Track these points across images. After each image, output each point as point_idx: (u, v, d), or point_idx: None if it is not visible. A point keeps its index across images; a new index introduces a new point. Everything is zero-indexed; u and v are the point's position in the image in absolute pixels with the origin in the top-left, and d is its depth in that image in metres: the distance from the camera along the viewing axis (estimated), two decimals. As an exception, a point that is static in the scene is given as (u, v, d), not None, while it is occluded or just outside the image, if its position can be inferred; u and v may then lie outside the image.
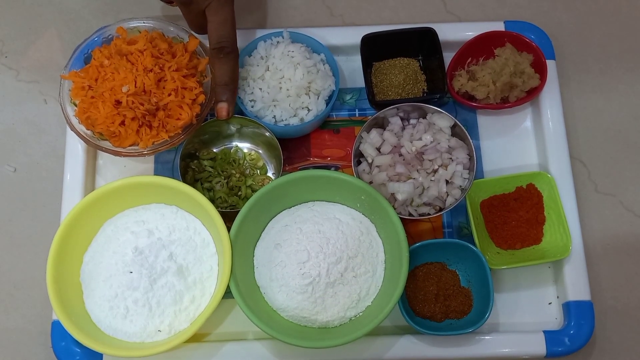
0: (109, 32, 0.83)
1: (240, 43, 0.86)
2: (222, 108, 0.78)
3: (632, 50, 0.94)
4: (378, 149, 0.82)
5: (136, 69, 0.77)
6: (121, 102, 0.77)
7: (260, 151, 0.87)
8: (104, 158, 0.88)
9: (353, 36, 0.88)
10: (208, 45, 0.80)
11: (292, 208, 0.81)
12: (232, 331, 0.80)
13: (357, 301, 0.76)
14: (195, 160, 0.85)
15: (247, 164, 0.86)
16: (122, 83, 0.76)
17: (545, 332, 0.79)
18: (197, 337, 0.80)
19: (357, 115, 0.89)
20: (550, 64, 0.88)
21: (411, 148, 0.81)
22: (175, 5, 0.82)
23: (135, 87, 0.76)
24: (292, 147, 0.87)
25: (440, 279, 0.80)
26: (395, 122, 0.83)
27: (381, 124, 0.84)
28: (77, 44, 0.83)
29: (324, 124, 0.89)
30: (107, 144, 0.80)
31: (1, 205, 0.87)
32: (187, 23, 0.80)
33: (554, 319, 0.82)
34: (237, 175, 0.84)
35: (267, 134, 0.82)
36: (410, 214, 0.80)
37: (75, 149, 0.85)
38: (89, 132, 0.80)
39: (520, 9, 0.96)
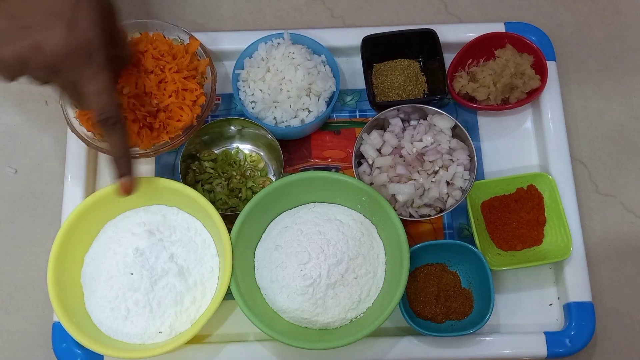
0: (109, 34, 0.83)
1: (241, 44, 0.86)
2: (125, 184, 0.70)
3: (633, 51, 0.94)
4: (379, 150, 0.82)
5: (137, 71, 0.77)
6: (122, 104, 0.77)
7: (261, 153, 0.87)
8: (104, 160, 0.88)
9: (354, 37, 0.88)
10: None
11: (293, 209, 0.81)
12: (233, 332, 0.80)
13: (357, 302, 0.76)
14: (196, 162, 0.85)
15: (248, 166, 0.86)
16: (123, 85, 0.77)
17: (546, 333, 0.79)
18: (198, 339, 0.80)
19: (357, 116, 0.89)
20: (551, 65, 0.88)
21: (412, 149, 0.81)
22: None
23: (136, 88, 0.76)
24: (292, 149, 0.87)
25: (441, 280, 0.80)
26: (395, 123, 0.83)
27: (382, 125, 0.84)
28: (78, 46, 0.83)
29: (325, 125, 0.89)
30: (107, 146, 0.79)
31: (2, 206, 0.87)
32: (68, 101, 0.70)
33: (554, 320, 0.82)
34: (238, 176, 0.84)
35: (268, 135, 0.82)
36: (411, 215, 0.80)
37: (76, 150, 0.85)
38: (89, 133, 0.80)
39: (521, 10, 0.96)
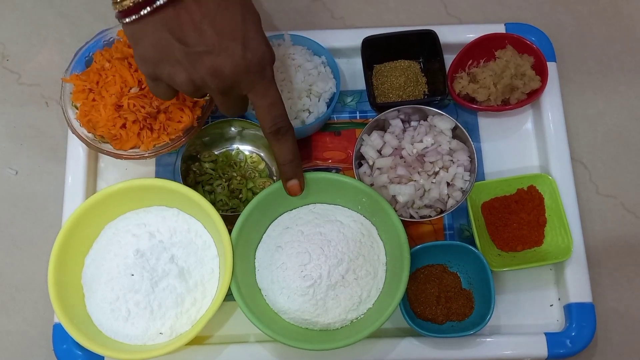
0: (110, 35, 0.83)
1: (241, 46, 0.86)
2: (295, 185, 0.73)
3: (633, 52, 0.94)
4: (379, 151, 0.82)
5: (139, 73, 0.77)
6: (122, 105, 0.77)
7: (262, 154, 0.87)
8: (105, 161, 0.88)
9: (354, 38, 0.88)
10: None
11: (293, 210, 0.81)
12: (234, 333, 0.80)
13: (358, 303, 0.76)
14: (196, 163, 0.85)
15: (249, 167, 0.86)
16: (124, 86, 0.77)
17: (546, 334, 0.79)
18: (198, 340, 0.80)
19: (358, 117, 0.89)
20: (551, 66, 0.88)
21: (412, 150, 0.81)
22: (205, 97, 0.71)
23: (142, 89, 0.77)
24: (293, 150, 0.87)
25: (442, 281, 0.80)
26: (396, 124, 0.83)
27: (382, 126, 0.84)
28: (79, 47, 0.83)
29: (325, 126, 0.89)
30: (108, 147, 0.80)
31: (3, 208, 0.87)
32: (223, 111, 0.69)
33: (555, 320, 0.82)
34: (238, 177, 0.84)
35: (268, 136, 0.82)
36: (411, 216, 0.80)
37: (76, 151, 0.85)
38: (90, 135, 0.80)
39: (521, 11, 0.96)
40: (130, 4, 0.57)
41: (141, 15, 0.57)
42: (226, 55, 0.59)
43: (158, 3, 0.56)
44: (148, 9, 0.57)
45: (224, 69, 0.59)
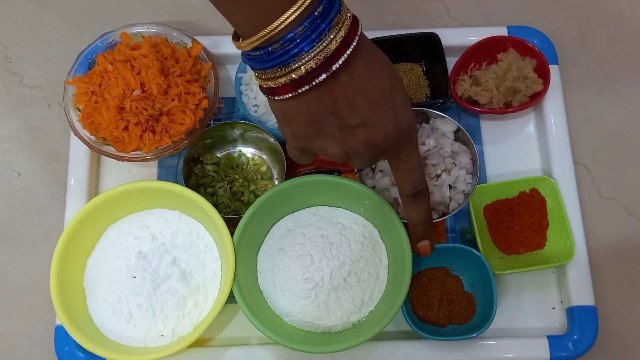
0: (112, 38, 0.84)
1: (244, 48, 0.86)
2: (426, 246, 0.74)
3: (635, 55, 0.94)
4: (381, 154, 0.82)
5: (146, 73, 0.77)
6: (125, 108, 0.77)
7: (264, 156, 0.87)
8: (107, 163, 0.88)
9: (356, 41, 0.88)
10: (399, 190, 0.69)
11: (296, 213, 0.81)
12: (235, 336, 0.80)
13: (360, 306, 0.76)
14: (198, 165, 0.85)
15: (251, 169, 0.86)
16: (126, 88, 0.77)
17: (549, 337, 0.78)
18: (200, 342, 0.80)
19: (360, 120, 0.89)
20: (554, 69, 0.88)
21: (414, 153, 0.81)
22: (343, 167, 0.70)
23: (144, 91, 0.77)
24: (295, 152, 0.87)
25: (444, 284, 0.80)
26: (398, 126, 0.83)
27: (384, 129, 0.84)
28: (81, 50, 0.83)
29: (327, 128, 0.88)
30: (110, 149, 0.80)
31: (5, 210, 0.87)
32: (296, 159, 0.65)
33: (557, 323, 0.82)
34: (241, 180, 0.84)
35: (271, 139, 0.82)
36: (413, 219, 0.80)
37: (79, 154, 0.85)
38: (92, 137, 0.80)
39: (523, 14, 0.96)
40: (287, 81, 0.54)
41: (298, 94, 0.55)
42: (379, 126, 0.58)
43: (318, 80, 0.54)
44: (307, 86, 0.55)
45: (377, 140, 0.59)
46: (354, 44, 0.55)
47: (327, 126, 0.58)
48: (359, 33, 0.55)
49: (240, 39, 0.55)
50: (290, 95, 0.55)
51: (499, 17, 0.96)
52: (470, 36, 0.89)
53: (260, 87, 0.57)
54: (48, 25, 0.96)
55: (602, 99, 0.92)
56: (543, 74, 0.85)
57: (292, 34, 0.52)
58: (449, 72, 0.87)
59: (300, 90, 0.55)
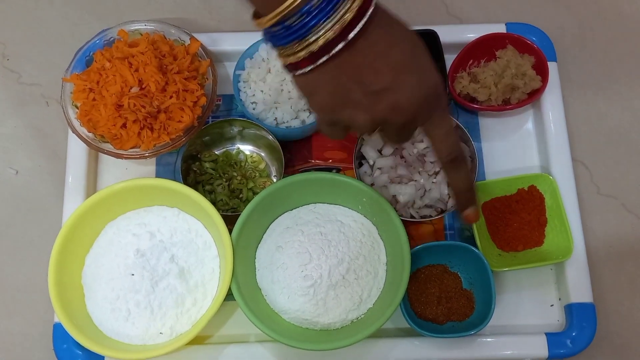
0: (110, 35, 0.83)
1: (242, 45, 0.86)
2: (472, 214, 0.72)
3: (634, 53, 0.94)
4: (379, 151, 0.82)
5: (144, 70, 0.77)
6: (123, 105, 0.77)
7: (262, 153, 0.87)
8: (105, 160, 0.88)
9: (354, 38, 0.88)
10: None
11: (294, 210, 0.81)
12: (234, 333, 0.80)
13: (358, 303, 0.76)
14: (196, 163, 0.85)
15: (249, 166, 0.86)
16: (124, 85, 0.77)
17: (547, 334, 0.79)
18: (198, 340, 0.80)
19: (358, 117, 0.89)
20: (552, 66, 0.88)
21: (413, 150, 0.81)
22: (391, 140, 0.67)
23: (142, 88, 0.77)
24: (293, 149, 0.87)
25: (442, 281, 0.80)
26: (396, 124, 0.83)
27: (383, 126, 0.84)
28: (79, 47, 0.83)
29: (326, 126, 0.88)
30: (108, 147, 0.80)
31: (3, 207, 0.87)
32: (330, 135, 0.66)
33: (556, 321, 0.82)
34: (239, 177, 0.84)
35: (269, 136, 0.82)
36: (411, 216, 0.80)
37: (76, 151, 0.85)
38: (90, 134, 0.80)
39: (522, 11, 0.96)
40: (307, 54, 0.56)
41: (317, 65, 0.56)
42: (404, 89, 0.58)
43: (336, 49, 0.55)
44: (326, 57, 0.56)
45: (403, 104, 0.58)
46: (369, 12, 0.55)
47: (352, 94, 0.58)
48: (374, 2, 0.56)
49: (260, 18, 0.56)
50: (310, 67, 0.56)
51: (498, 14, 0.96)
52: (468, 33, 0.89)
53: (283, 65, 0.58)
54: (46, 23, 0.95)
55: (601, 97, 0.92)
56: (541, 71, 0.85)
57: (308, 7, 0.53)
58: (448, 69, 0.87)
59: (319, 62, 0.56)
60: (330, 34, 0.54)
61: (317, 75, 0.57)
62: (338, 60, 0.56)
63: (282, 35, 0.56)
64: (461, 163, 0.66)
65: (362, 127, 0.61)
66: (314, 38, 0.55)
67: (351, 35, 0.55)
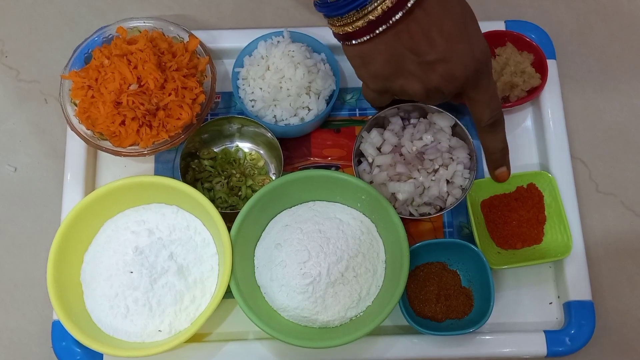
0: (109, 32, 0.83)
1: (241, 42, 0.86)
2: (504, 173, 0.75)
3: (633, 50, 0.94)
4: (378, 149, 0.82)
5: (142, 68, 0.77)
6: (121, 102, 0.77)
7: (261, 151, 0.87)
8: (104, 158, 0.88)
9: (353, 36, 0.88)
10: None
11: (293, 208, 0.81)
12: (233, 331, 0.80)
13: (357, 301, 0.76)
14: (195, 160, 0.85)
15: (248, 164, 0.86)
16: (123, 82, 0.76)
17: (546, 332, 0.79)
18: (197, 337, 0.80)
19: (357, 114, 0.89)
20: (551, 64, 0.88)
21: (412, 148, 0.81)
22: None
23: (141, 85, 0.76)
24: (292, 147, 0.87)
25: (441, 279, 0.80)
26: (395, 121, 0.83)
27: (382, 124, 0.84)
28: (78, 44, 0.83)
29: (325, 123, 0.88)
30: (107, 144, 0.80)
31: (2, 205, 0.87)
32: (374, 104, 0.69)
33: (554, 318, 0.82)
34: (238, 175, 0.84)
35: (268, 134, 0.82)
36: (410, 214, 0.80)
37: (75, 148, 0.85)
38: (89, 132, 0.80)
39: (521, 8, 0.96)
40: (365, 24, 0.56)
41: (376, 34, 0.57)
42: (457, 59, 0.59)
43: (395, 18, 0.56)
44: (384, 26, 0.56)
45: (457, 73, 0.59)
46: None
47: (407, 64, 0.59)
48: None
49: None
50: (368, 37, 0.57)
51: (497, 11, 0.96)
52: (468, 31, 0.89)
53: (335, 34, 0.58)
54: (44, 19, 0.95)
55: (600, 94, 0.92)
56: (541, 69, 0.85)
57: None
58: (447, 67, 0.86)
59: (377, 31, 0.56)
60: (388, 3, 0.55)
61: (374, 44, 0.58)
62: (395, 30, 0.56)
63: (339, 6, 0.56)
64: (500, 124, 0.68)
65: (414, 95, 0.61)
66: (372, 7, 0.55)
67: (410, 3, 0.55)
